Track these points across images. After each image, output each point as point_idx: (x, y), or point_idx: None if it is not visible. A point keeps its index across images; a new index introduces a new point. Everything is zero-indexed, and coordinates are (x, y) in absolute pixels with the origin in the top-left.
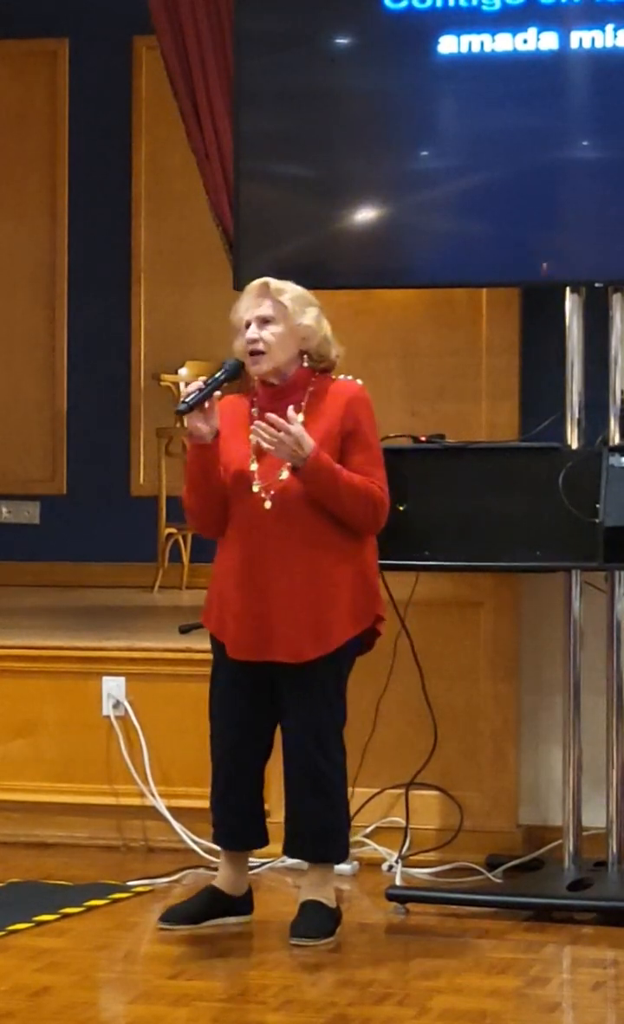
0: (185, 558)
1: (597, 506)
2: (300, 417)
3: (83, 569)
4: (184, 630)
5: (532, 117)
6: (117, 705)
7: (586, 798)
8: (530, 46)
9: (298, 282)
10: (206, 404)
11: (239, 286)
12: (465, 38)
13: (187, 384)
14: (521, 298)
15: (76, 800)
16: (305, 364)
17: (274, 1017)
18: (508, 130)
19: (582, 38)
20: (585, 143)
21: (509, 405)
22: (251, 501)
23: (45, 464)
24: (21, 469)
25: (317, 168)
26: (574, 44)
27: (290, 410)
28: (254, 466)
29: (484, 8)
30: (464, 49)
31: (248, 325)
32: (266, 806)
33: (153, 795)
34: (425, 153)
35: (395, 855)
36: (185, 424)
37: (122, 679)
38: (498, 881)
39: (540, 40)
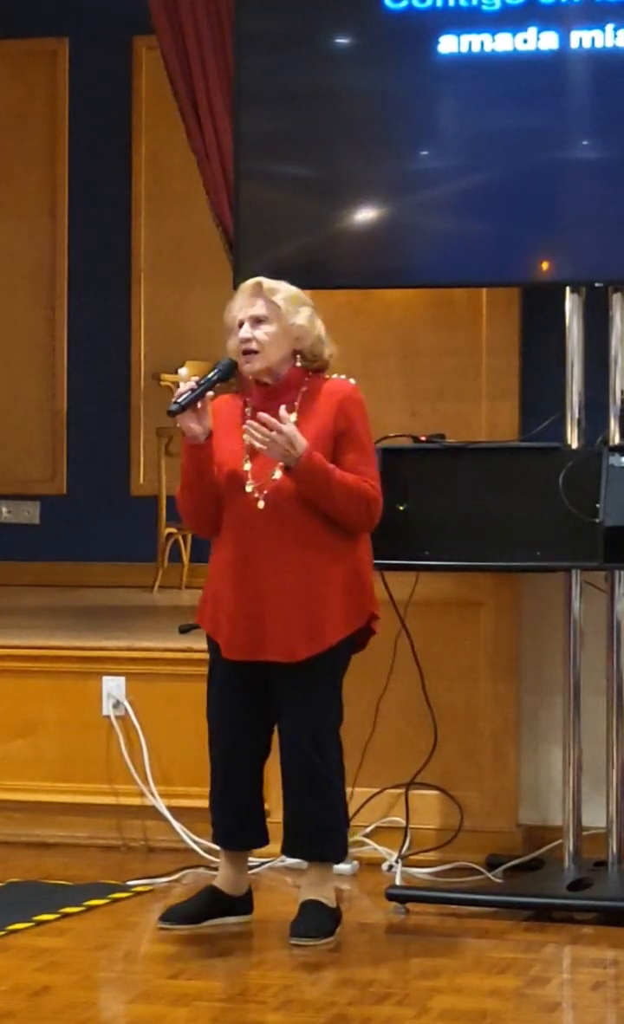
0: (185, 558)
1: (597, 506)
2: (293, 417)
3: (83, 569)
4: (184, 630)
5: (532, 117)
6: (117, 705)
7: (586, 798)
8: (530, 46)
9: (298, 282)
10: (198, 404)
11: (239, 286)
12: (465, 38)
13: (180, 384)
14: (521, 298)
15: (76, 800)
16: (298, 364)
17: (274, 1017)
18: (508, 130)
19: (582, 38)
20: (585, 143)
21: (509, 405)
22: (244, 501)
23: (45, 464)
24: (21, 469)
25: (317, 168)
26: (574, 44)
27: (282, 410)
28: (247, 466)
29: (484, 8)
30: (464, 49)
31: (241, 325)
32: (266, 806)
33: (153, 795)
34: (425, 153)
35: (395, 855)
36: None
37: (122, 679)
38: (498, 881)
39: (540, 40)
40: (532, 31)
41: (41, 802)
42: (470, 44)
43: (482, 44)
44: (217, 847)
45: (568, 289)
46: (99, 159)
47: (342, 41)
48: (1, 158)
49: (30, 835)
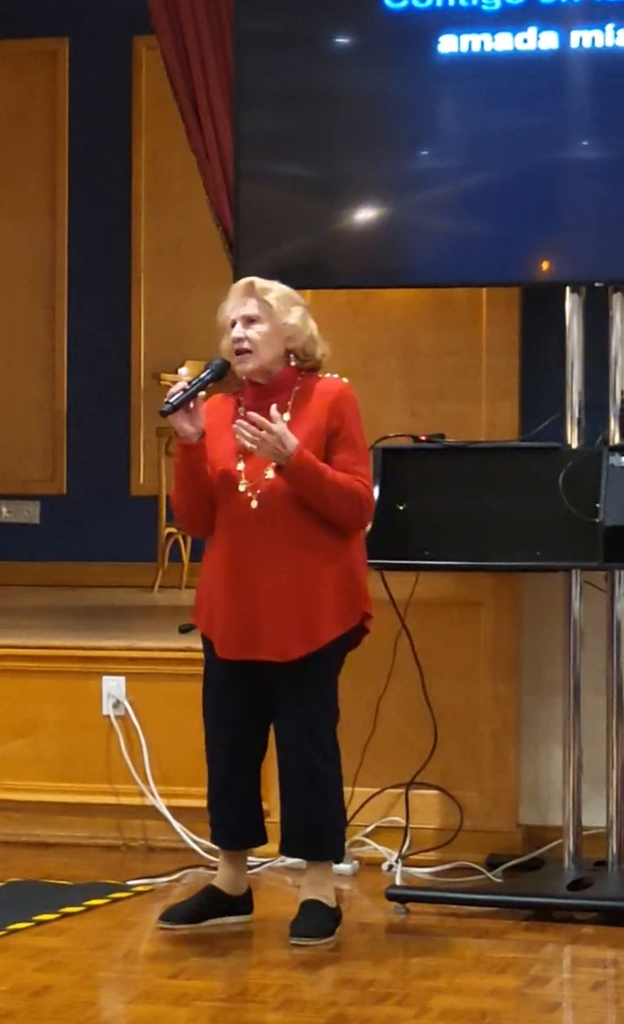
0: (185, 558)
1: (597, 506)
2: (286, 416)
3: (83, 569)
4: (184, 630)
5: (532, 117)
6: (117, 705)
7: (586, 798)
8: (530, 46)
9: (298, 282)
10: (191, 404)
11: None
12: (465, 38)
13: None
14: (521, 298)
15: (76, 800)
16: (291, 363)
17: (274, 1017)
18: (508, 130)
19: (582, 38)
20: (585, 143)
21: (509, 405)
22: (238, 500)
23: (45, 464)
24: (21, 469)
25: (317, 168)
26: (574, 44)
27: (273, 408)
28: (240, 466)
29: (484, 8)
30: (464, 49)
31: (234, 324)
32: (265, 805)
33: (153, 795)
34: (425, 153)
35: (395, 855)
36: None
37: (122, 679)
38: (498, 881)
39: (540, 40)
40: (532, 31)
41: (41, 802)
42: (470, 44)
43: (482, 44)
44: (216, 847)
45: (568, 289)
46: (99, 159)
47: (342, 41)
48: (1, 158)
49: (30, 835)
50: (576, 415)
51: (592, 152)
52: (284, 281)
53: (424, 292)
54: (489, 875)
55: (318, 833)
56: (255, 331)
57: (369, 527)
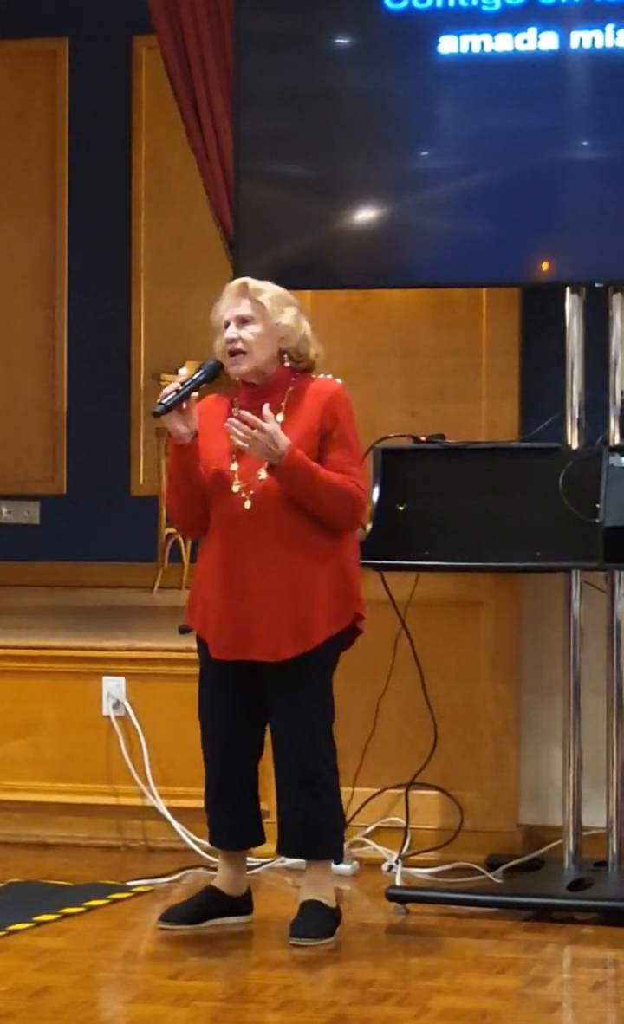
0: (185, 558)
1: (597, 506)
2: (280, 417)
3: (83, 569)
4: (184, 630)
5: (532, 117)
6: (117, 705)
7: (586, 798)
8: (530, 46)
9: (298, 282)
10: (183, 405)
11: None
12: (465, 38)
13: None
14: (521, 298)
15: (76, 800)
16: (285, 364)
17: (274, 1017)
18: (508, 130)
19: (582, 38)
20: (585, 143)
21: (509, 405)
22: (231, 501)
23: (45, 464)
24: (21, 469)
25: (317, 168)
26: (574, 44)
27: (265, 408)
28: (234, 466)
29: (484, 8)
30: (464, 49)
31: (227, 325)
32: (264, 805)
33: (153, 795)
34: (425, 153)
35: (395, 855)
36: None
37: (122, 679)
38: (498, 881)
39: (540, 40)
40: (532, 31)
41: (41, 802)
42: (470, 44)
43: (482, 44)
44: (214, 848)
45: (568, 289)
46: (99, 159)
47: (342, 41)
48: (1, 158)
49: (30, 835)
50: (576, 415)
51: (592, 152)
52: (284, 281)
53: (424, 292)
54: (489, 875)
55: (316, 833)
56: (249, 332)
57: (370, 527)
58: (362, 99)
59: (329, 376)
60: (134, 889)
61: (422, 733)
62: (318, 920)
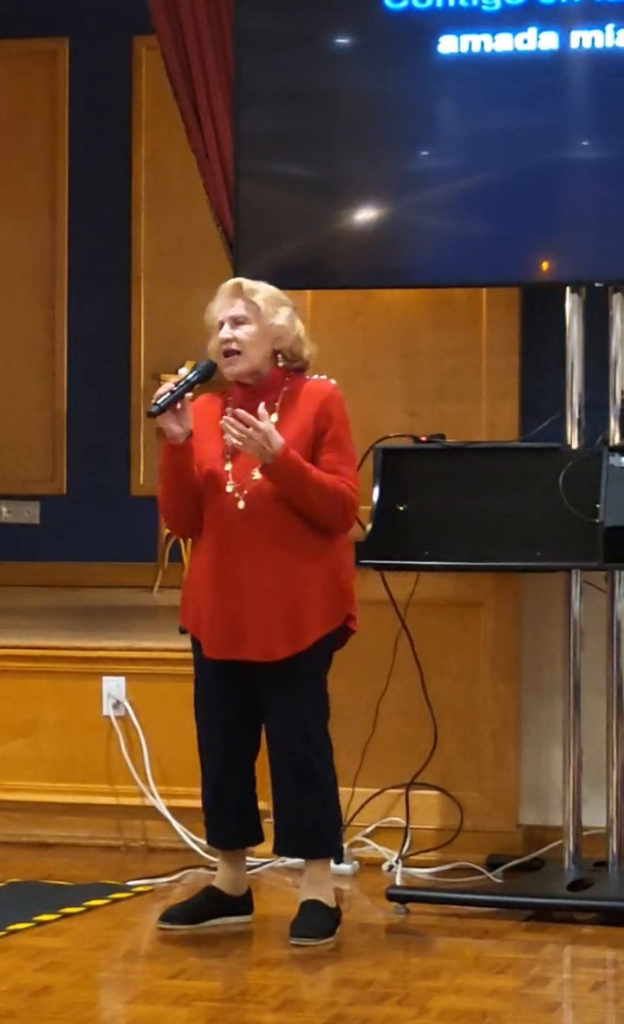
0: (185, 558)
1: (597, 506)
2: (274, 417)
3: (83, 569)
4: (184, 630)
5: (532, 117)
6: (117, 705)
7: (586, 798)
8: (530, 46)
9: (298, 282)
10: (178, 405)
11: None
12: (465, 38)
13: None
14: (521, 298)
15: (76, 800)
16: (279, 364)
17: (274, 1017)
18: (508, 130)
19: (582, 38)
20: (585, 143)
21: (509, 405)
22: (224, 501)
23: (45, 464)
24: (21, 469)
25: (317, 168)
26: (574, 44)
27: (260, 407)
28: (228, 466)
29: (484, 8)
30: (464, 49)
31: (222, 325)
32: (263, 805)
33: (153, 795)
34: (425, 153)
35: (395, 855)
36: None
37: (122, 679)
38: (498, 881)
39: (540, 40)
40: (532, 31)
41: (41, 802)
42: (470, 44)
43: (482, 44)
44: (213, 847)
45: (568, 289)
46: (99, 159)
47: (342, 41)
48: (1, 158)
49: (30, 835)
50: (576, 415)
51: (592, 152)
52: (284, 281)
53: (424, 292)
54: (489, 875)
55: (314, 832)
56: (243, 332)
57: (370, 527)
58: (362, 99)
59: (323, 376)
60: (134, 889)
61: (422, 733)
62: (318, 920)
